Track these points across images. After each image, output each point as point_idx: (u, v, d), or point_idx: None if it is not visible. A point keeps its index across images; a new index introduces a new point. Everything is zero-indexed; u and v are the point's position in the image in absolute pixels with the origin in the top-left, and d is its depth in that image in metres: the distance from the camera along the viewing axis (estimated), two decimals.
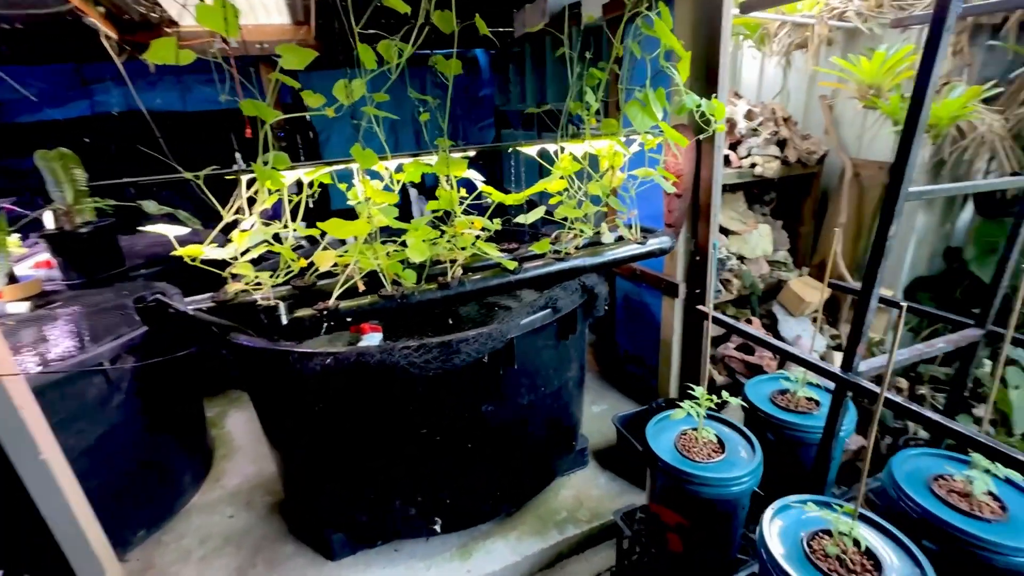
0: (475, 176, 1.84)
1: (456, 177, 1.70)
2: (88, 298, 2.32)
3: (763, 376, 1.93)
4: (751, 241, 2.58)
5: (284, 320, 1.52)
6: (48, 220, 2.55)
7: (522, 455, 1.96)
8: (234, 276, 1.57)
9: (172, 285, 2.31)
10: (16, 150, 2.98)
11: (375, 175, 1.66)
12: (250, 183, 1.48)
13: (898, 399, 1.26)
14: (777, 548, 1.17)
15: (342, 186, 1.67)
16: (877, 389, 1.28)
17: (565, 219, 1.97)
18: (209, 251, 1.45)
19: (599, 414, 2.72)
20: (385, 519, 1.83)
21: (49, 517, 1.63)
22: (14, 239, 2.88)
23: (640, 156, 1.95)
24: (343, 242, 1.83)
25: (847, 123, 2.55)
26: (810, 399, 1.75)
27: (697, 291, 2.30)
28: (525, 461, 2.00)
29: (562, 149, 1.84)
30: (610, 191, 1.97)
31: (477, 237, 1.78)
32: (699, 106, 1.75)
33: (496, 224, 1.83)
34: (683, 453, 1.49)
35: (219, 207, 1.44)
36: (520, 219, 1.91)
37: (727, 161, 2.42)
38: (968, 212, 2.46)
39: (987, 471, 1.26)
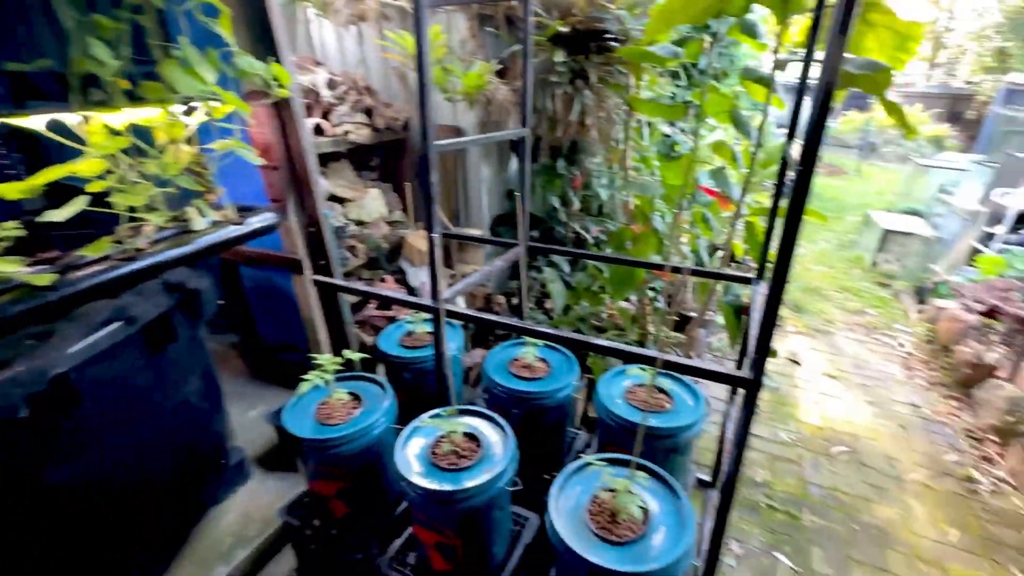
0: None
1: None
2: None
3: (392, 325, 2.12)
4: (366, 206, 2.73)
5: None
6: None
7: (144, 509, 1.59)
8: None
9: None
10: None
11: None
12: None
13: (464, 311, 1.59)
14: (412, 467, 1.33)
15: None
16: (458, 308, 1.57)
17: (133, 209, 1.59)
18: None
19: (258, 417, 2.47)
20: None
21: None
22: None
23: (220, 127, 1.72)
24: None
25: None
26: (430, 332, 2.03)
27: (322, 263, 2.30)
28: (151, 513, 1.63)
29: (85, 120, 1.44)
30: (181, 169, 1.68)
31: None
32: (255, 71, 1.65)
33: (13, 229, 1.31)
34: (324, 422, 1.50)
35: None
36: (49, 216, 1.43)
37: (321, 130, 2.43)
38: (515, 162, 3.26)
39: (534, 345, 1.75)
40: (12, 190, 1.32)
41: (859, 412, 3.18)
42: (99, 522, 1.46)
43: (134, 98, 1.57)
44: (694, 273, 2.17)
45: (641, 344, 2.80)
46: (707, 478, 2.38)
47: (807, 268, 5.74)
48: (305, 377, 1.47)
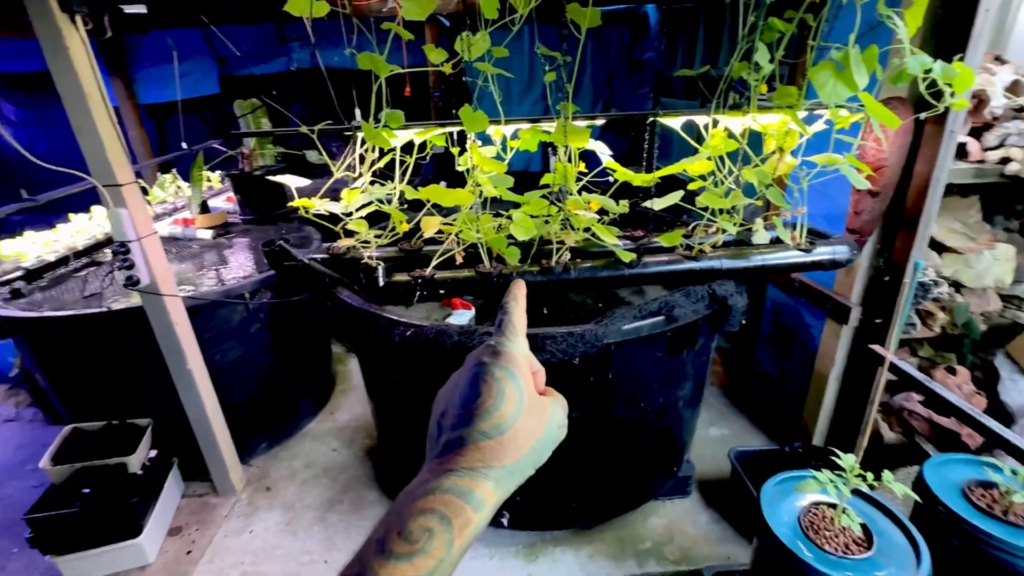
0: (601, 149, 1.61)
1: (577, 149, 1.49)
2: (255, 233, 2.67)
3: (957, 454, 1.40)
4: (979, 264, 1.89)
5: (381, 282, 1.50)
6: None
7: (606, 471, 1.76)
8: (347, 232, 1.60)
9: (316, 229, 2.55)
10: (230, 98, 3.47)
11: (488, 141, 1.53)
12: (364, 140, 1.46)
13: None
14: None
15: (454, 150, 1.58)
16: None
17: (706, 209, 1.63)
18: (320, 205, 1.48)
19: (717, 439, 2.35)
20: None
21: (191, 417, 1.91)
22: (215, 175, 3.43)
23: (824, 137, 1.49)
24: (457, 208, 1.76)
25: None
26: None
27: (877, 321, 1.76)
28: (609, 477, 1.79)
29: (714, 123, 1.50)
30: (771, 180, 1.56)
31: (600, 220, 1.56)
32: (929, 71, 1.24)
33: (622, 207, 1.58)
34: (808, 534, 1.15)
35: (331, 163, 1.45)
36: (649, 204, 1.63)
37: (963, 152, 1.77)
38: None
39: None
40: (639, 179, 1.55)
41: None
42: (572, 462, 1.71)
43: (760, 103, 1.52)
44: None
45: None
46: None
47: None
48: (816, 476, 1.14)
